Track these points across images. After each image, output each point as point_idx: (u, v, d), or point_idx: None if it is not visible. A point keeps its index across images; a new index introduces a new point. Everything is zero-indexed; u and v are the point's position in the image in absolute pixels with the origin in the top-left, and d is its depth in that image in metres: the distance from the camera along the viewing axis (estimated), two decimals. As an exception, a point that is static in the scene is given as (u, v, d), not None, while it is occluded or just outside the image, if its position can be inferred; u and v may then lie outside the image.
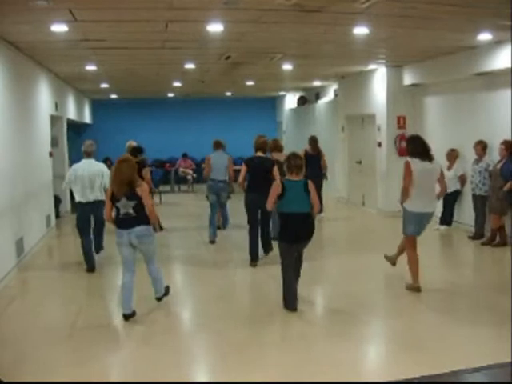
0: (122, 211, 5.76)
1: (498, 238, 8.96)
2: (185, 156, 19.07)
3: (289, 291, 6.11)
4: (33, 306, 6.53)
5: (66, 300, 6.87)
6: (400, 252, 7.09)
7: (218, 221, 10.43)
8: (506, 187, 8.56)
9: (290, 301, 6.08)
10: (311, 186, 6.08)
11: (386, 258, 7.40)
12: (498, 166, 8.82)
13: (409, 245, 6.71)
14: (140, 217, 5.78)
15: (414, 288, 6.62)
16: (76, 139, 16.69)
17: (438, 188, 6.83)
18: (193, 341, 5.51)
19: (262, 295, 6.94)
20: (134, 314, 5.86)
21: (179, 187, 18.56)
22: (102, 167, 7.98)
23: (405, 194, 6.56)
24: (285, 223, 6.11)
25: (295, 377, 4.50)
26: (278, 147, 9.32)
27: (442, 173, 6.70)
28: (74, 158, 10.74)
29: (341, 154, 14.59)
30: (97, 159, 8.09)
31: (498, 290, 6.66)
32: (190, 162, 19.03)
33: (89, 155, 7.92)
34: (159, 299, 6.25)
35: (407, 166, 6.50)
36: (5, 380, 4.30)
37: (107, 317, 6.10)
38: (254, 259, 8.09)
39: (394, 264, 7.28)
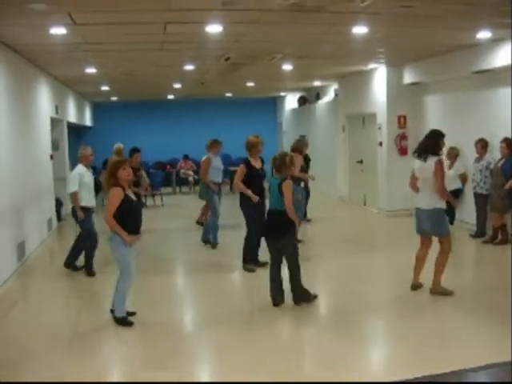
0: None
1: (499, 236, 8.95)
2: (186, 157, 19.07)
3: (272, 287, 6.27)
4: (34, 310, 6.52)
5: (67, 304, 6.85)
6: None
7: (204, 219, 9.99)
8: (508, 185, 8.55)
9: (273, 296, 6.25)
10: (286, 187, 6.01)
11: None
12: (499, 164, 8.80)
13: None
14: None
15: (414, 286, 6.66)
16: (77, 142, 16.72)
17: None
18: (191, 341, 5.51)
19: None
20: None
21: (180, 189, 18.55)
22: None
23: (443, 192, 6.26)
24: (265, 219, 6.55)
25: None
26: (297, 149, 9.44)
27: (436, 170, 6.20)
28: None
29: (342, 154, 14.58)
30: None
31: (500, 288, 6.64)
32: (191, 164, 19.01)
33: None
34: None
35: (440, 164, 6.22)
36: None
37: (108, 320, 6.09)
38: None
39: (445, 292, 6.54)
